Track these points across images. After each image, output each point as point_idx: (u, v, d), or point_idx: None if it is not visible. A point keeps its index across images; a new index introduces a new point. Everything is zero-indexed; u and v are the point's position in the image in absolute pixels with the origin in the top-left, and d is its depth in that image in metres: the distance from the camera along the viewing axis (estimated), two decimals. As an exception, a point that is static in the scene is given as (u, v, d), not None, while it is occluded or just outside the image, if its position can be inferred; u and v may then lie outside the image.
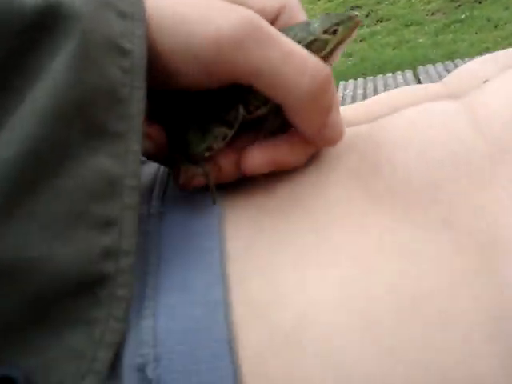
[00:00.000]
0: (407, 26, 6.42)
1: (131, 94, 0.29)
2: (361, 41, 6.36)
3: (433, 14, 6.59)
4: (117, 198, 0.28)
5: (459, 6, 6.51)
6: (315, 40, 0.37)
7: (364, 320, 0.28)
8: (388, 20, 6.79)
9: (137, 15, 0.29)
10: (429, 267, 0.30)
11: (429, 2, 6.87)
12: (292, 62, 0.32)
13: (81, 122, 0.27)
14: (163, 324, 0.29)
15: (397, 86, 3.24)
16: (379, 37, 6.36)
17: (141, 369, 0.27)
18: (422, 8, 6.79)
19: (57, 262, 0.26)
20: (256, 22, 0.31)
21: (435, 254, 0.31)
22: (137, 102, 0.29)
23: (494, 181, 0.33)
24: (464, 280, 0.29)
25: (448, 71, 3.18)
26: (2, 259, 0.25)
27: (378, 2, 7.33)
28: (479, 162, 0.34)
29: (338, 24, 0.37)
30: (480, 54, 4.82)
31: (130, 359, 0.28)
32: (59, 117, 0.26)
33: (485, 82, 0.42)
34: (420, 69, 3.22)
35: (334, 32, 0.37)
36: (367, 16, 7.03)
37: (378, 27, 6.66)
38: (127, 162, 0.29)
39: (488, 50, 4.87)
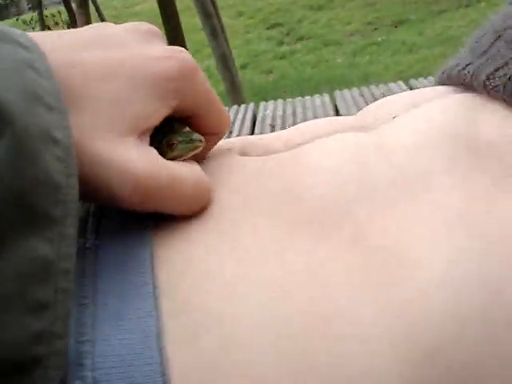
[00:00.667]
0: (326, 45, 6.58)
1: (67, 181, 0.30)
2: (281, 58, 6.46)
3: (351, 35, 6.78)
4: (50, 282, 0.29)
5: (376, 28, 6.73)
6: (160, 145, 0.40)
7: (278, 341, 0.31)
8: (308, 39, 6.93)
9: (61, 108, 0.32)
10: (336, 287, 0.33)
11: (348, 23, 7.07)
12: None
13: (16, 207, 0.28)
14: (101, 349, 0.31)
15: (314, 108, 3.36)
16: (299, 55, 6.47)
17: None
18: (341, 29, 6.97)
19: None
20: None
21: (344, 271, 0.33)
22: (72, 189, 0.31)
23: (396, 205, 0.36)
24: (369, 294, 0.32)
25: (363, 96, 3.36)
26: None
27: (299, 21, 7.47)
28: (383, 186, 0.38)
29: (179, 141, 0.41)
30: (394, 76, 4.98)
31: (71, 382, 0.30)
32: None
33: (394, 117, 0.45)
34: (337, 93, 3.38)
35: (172, 145, 0.40)
36: (288, 34, 7.15)
37: (299, 45, 6.78)
38: (61, 246, 0.30)
39: (402, 73, 5.04)
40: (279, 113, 3.40)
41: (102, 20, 5.56)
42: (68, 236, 0.30)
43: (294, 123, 3.16)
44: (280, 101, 3.59)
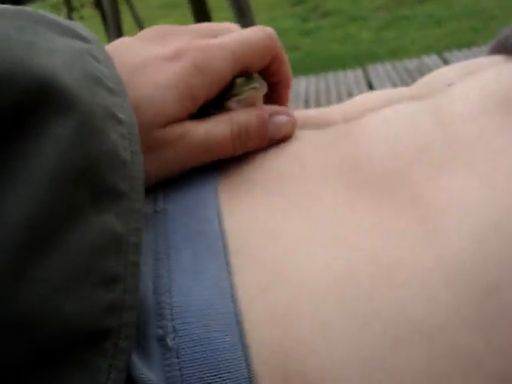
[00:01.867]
0: (352, 21, 6.51)
1: (132, 157, 0.33)
2: (307, 35, 6.41)
3: (377, 9, 6.70)
4: (121, 255, 0.31)
5: (402, 3, 6.63)
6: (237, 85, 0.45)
7: (344, 290, 0.33)
8: (333, 15, 6.86)
9: (121, 91, 0.35)
10: (396, 239, 0.35)
11: (373, -1, 6.98)
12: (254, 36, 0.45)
13: (87, 184, 0.30)
14: (178, 300, 0.33)
15: (348, 84, 3.36)
16: (325, 31, 6.42)
17: (162, 339, 0.32)
18: (367, 4, 6.89)
19: (65, 317, 0.28)
20: None
21: (404, 225, 0.35)
22: (137, 165, 0.33)
23: (453, 167, 0.38)
24: (427, 243, 0.34)
25: (396, 70, 3.32)
26: (13, 312, 0.26)
27: (324, -3, 7.40)
28: (439, 151, 0.39)
29: (255, 86, 0.45)
30: (422, 50, 4.93)
31: (152, 331, 0.32)
32: (67, 180, 0.29)
33: (449, 85, 0.46)
34: (370, 67, 3.34)
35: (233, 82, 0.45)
36: (313, 11, 7.09)
37: (324, 22, 6.72)
38: (130, 221, 0.31)
39: (430, 47, 4.98)
40: (312, 88, 3.40)
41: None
42: (136, 211, 0.32)
43: (328, 99, 3.19)
44: (312, 76, 3.59)
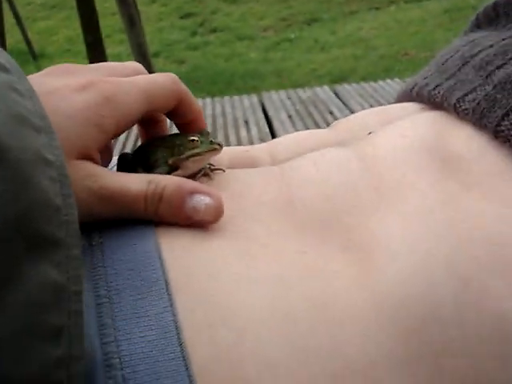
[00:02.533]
0: (240, 39, 6.56)
1: (64, 200, 0.31)
2: (194, 49, 6.38)
3: (264, 30, 6.80)
4: (63, 306, 0.29)
5: (290, 25, 6.78)
6: (179, 145, 0.47)
7: (284, 326, 0.34)
8: (221, 31, 6.88)
9: (48, 128, 0.33)
10: (332, 280, 0.37)
11: (261, 18, 7.09)
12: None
13: (21, 238, 0.28)
14: (126, 349, 0.33)
15: (243, 109, 3.44)
16: (212, 47, 6.42)
17: None
18: (255, 23, 6.98)
19: (10, 378, 0.27)
20: None
21: (339, 267, 0.37)
22: (71, 208, 0.32)
23: (379, 209, 0.41)
24: (360, 282, 0.36)
25: (290, 99, 3.49)
26: None
27: (213, 12, 7.42)
28: (367, 194, 0.42)
29: (200, 141, 0.46)
30: (307, 73, 5.05)
31: (101, 381, 0.32)
32: (0, 239, 0.27)
33: (369, 133, 0.49)
34: (264, 94, 3.49)
35: (194, 142, 0.46)
36: (201, 25, 7.07)
37: (212, 37, 6.72)
38: (70, 269, 0.30)
39: (315, 71, 5.12)
40: (208, 112, 3.44)
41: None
42: (74, 257, 0.31)
43: (225, 123, 3.24)
44: (208, 99, 3.61)
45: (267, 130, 3.02)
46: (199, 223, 0.40)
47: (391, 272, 0.36)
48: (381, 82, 3.67)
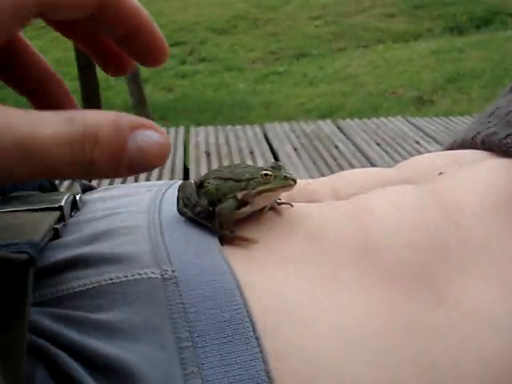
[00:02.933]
0: (228, 70, 6.60)
1: None
2: (183, 77, 6.40)
3: (253, 62, 6.85)
4: None
5: (278, 58, 6.85)
6: (250, 179, 0.44)
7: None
8: (210, 61, 6.92)
9: None
10: (435, 341, 0.35)
11: (251, 50, 7.15)
12: None
13: None
14: None
15: (247, 139, 3.47)
16: (201, 76, 6.45)
17: None
18: (244, 55, 7.03)
19: None
20: None
21: (435, 327, 0.36)
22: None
23: (472, 267, 0.39)
24: (460, 348, 0.35)
25: (293, 131, 3.56)
26: None
27: (202, 42, 7.46)
28: (455, 249, 0.40)
29: (274, 176, 0.43)
30: (296, 107, 5.08)
31: None
32: None
33: (440, 173, 0.48)
34: (267, 125, 3.54)
35: (267, 176, 0.43)
36: (190, 54, 7.11)
37: (201, 66, 6.75)
38: None
39: (303, 105, 5.16)
40: (211, 140, 3.44)
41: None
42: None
43: (229, 152, 3.24)
44: (211, 128, 3.62)
45: (273, 161, 3.01)
46: (143, 169, 0.29)
47: (496, 342, 0.36)
48: (383, 119, 3.71)
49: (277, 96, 5.60)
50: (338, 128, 3.55)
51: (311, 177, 2.76)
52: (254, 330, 0.34)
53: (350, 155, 3.06)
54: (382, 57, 6.38)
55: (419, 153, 3.04)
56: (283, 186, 0.43)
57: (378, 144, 3.21)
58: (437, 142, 3.20)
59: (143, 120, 0.29)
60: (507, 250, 0.40)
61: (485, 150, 0.52)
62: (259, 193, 0.43)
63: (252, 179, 0.43)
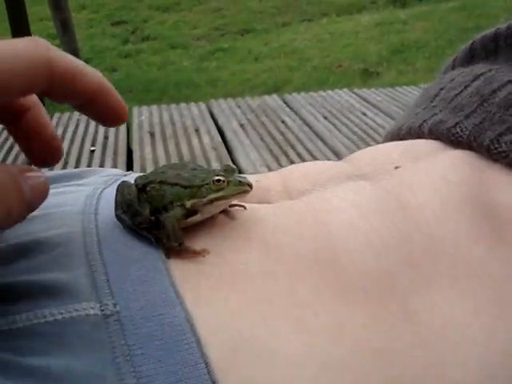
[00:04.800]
0: (173, 47, 6.48)
1: None
2: (126, 57, 6.25)
3: (198, 39, 6.75)
4: None
5: (223, 35, 6.76)
6: (200, 186, 0.39)
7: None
8: (154, 39, 6.78)
9: None
10: (402, 366, 0.33)
11: (195, 27, 7.03)
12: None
13: None
14: None
15: (192, 116, 3.44)
16: (145, 55, 6.31)
17: None
18: (188, 32, 6.91)
19: None
20: None
21: (405, 349, 0.33)
22: None
23: (438, 277, 0.36)
24: (429, 375, 0.33)
25: (239, 107, 3.55)
26: None
27: (145, 20, 7.30)
28: (420, 253, 0.37)
29: (227, 181, 0.39)
30: (241, 83, 5.02)
31: None
32: None
33: (396, 168, 0.44)
34: (212, 102, 3.51)
35: (219, 183, 0.39)
36: (133, 33, 6.95)
37: (144, 45, 6.61)
38: None
39: (249, 81, 5.11)
40: (155, 120, 3.35)
41: None
42: None
43: (174, 131, 3.18)
44: (154, 107, 3.53)
45: (219, 138, 2.97)
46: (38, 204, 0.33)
47: (473, 364, 0.33)
48: (330, 92, 3.69)
49: (223, 73, 5.52)
50: (285, 102, 3.52)
51: (259, 153, 2.74)
52: (210, 372, 0.30)
53: (297, 129, 3.03)
54: (327, 30, 6.36)
55: (366, 124, 3.05)
56: (238, 193, 0.39)
57: (325, 117, 3.19)
58: (383, 112, 3.20)
59: (25, 166, 0.33)
60: (474, 257, 0.37)
61: (434, 139, 0.48)
62: (211, 201, 0.39)
63: (202, 186, 0.39)
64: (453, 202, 0.40)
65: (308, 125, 3.09)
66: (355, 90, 3.69)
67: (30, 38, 0.31)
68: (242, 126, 3.13)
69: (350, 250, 0.37)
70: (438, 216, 0.39)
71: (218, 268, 0.36)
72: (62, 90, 0.33)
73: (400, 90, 3.62)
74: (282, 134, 2.99)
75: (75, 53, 3.91)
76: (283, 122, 3.17)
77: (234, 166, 0.41)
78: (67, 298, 0.32)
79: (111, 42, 6.67)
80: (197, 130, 3.07)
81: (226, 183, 0.39)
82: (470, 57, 0.54)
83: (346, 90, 3.72)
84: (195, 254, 0.36)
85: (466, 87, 0.48)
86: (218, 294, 0.34)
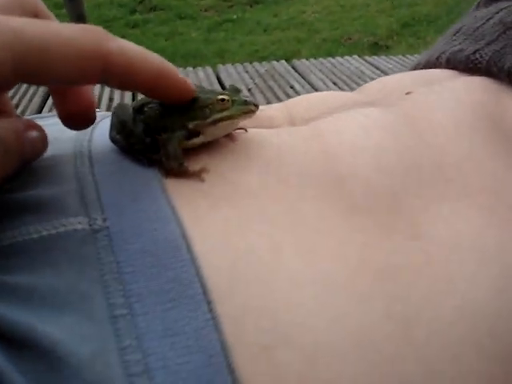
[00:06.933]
0: (180, 18, 6.42)
1: None
2: (133, 27, 6.20)
3: (206, 10, 6.68)
4: None
5: (231, 6, 6.69)
6: (204, 107, 0.36)
7: (365, 353, 0.28)
8: (161, 10, 6.72)
9: None
10: (410, 287, 0.30)
11: (203, -2, 6.96)
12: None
13: None
14: (161, 381, 0.25)
15: (199, 81, 3.43)
16: (152, 25, 6.25)
17: None
18: (196, 3, 6.85)
19: None
20: None
21: (411, 267, 0.31)
22: None
23: (450, 193, 0.35)
24: (440, 293, 0.30)
25: (247, 72, 3.52)
26: None
27: (153, -10, 7.23)
28: (430, 171, 0.36)
29: (231, 101, 0.37)
30: (250, 54, 4.98)
31: None
32: None
33: (407, 93, 0.43)
34: (220, 67, 3.48)
35: (224, 102, 0.36)
36: (140, 2, 6.89)
37: (151, 15, 6.55)
38: None
39: (257, 53, 5.06)
40: None
41: None
42: None
43: None
44: None
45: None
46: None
47: (486, 280, 0.31)
48: (339, 58, 3.65)
49: (231, 44, 5.48)
50: (293, 68, 3.48)
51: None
52: (205, 292, 0.28)
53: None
54: (337, 2, 6.29)
55: (377, 91, 3.01)
56: (244, 113, 0.37)
57: (335, 83, 3.15)
58: (395, 80, 3.17)
59: (30, 121, 0.33)
60: (490, 173, 0.35)
61: (451, 69, 0.47)
62: (215, 122, 0.36)
63: (206, 106, 0.36)
64: (467, 121, 0.38)
65: (317, 90, 3.06)
66: (366, 58, 3.66)
67: (87, 26, 0.30)
68: (249, 90, 3.10)
69: (355, 170, 0.36)
70: (450, 133, 0.38)
71: (218, 187, 0.34)
72: (118, 82, 0.32)
73: (411, 58, 3.58)
74: (290, 97, 2.97)
75: (82, 19, 3.87)
76: (292, 87, 3.13)
77: (238, 88, 0.39)
78: (53, 214, 0.30)
79: (118, 12, 6.61)
80: (203, 95, 3.05)
81: (230, 103, 0.36)
82: None
83: (356, 57, 3.68)
84: (195, 174, 0.34)
85: (488, 19, 0.47)
86: (217, 211, 0.32)
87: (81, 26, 0.30)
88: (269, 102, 2.93)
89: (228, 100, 0.36)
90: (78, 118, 0.35)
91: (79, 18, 3.87)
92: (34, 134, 0.33)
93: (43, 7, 0.33)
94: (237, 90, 0.38)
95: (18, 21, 0.27)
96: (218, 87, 3.18)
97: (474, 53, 0.45)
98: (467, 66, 0.45)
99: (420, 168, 0.36)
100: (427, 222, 0.34)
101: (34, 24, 0.28)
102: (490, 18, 0.47)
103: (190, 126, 0.36)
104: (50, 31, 0.28)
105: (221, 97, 0.36)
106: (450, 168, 0.36)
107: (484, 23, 0.47)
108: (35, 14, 0.32)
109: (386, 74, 3.28)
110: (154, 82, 0.33)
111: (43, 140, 0.34)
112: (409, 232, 0.33)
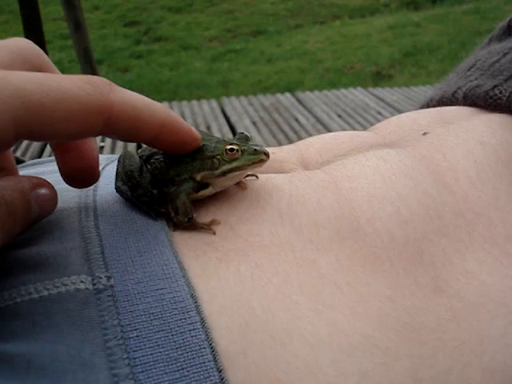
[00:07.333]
0: (185, 48, 6.48)
1: None
2: (138, 57, 6.25)
3: (210, 40, 6.74)
4: None
5: (235, 36, 6.75)
6: (212, 157, 0.36)
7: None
8: (166, 40, 6.78)
9: None
10: (437, 348, 0.29)
11: (207, 29, 7.03)
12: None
13: None
14: None
15: (204, 113, 3.40)
16: (157, 56, 6.31)
17: None
18: (200, 33, 6.91)
19: None
20: None
21: (436, 325, 0.30)
22: None
23: (474, 242, 0.34)
24: (467, 356, 0.29)
25: (252, 105, 3.50)
26: None
27: (157, 21, 7.31)
28: (452, 219, 0.35)
29: (241, 150, 0.35)
30: (253, 85, 5.01)
31: None
32: None
33: (424, 133, 0.42)
34: (224, 99, 3.47)
35: (233, 152, 0.35)
36: (145, 34, 6.96)
37: (156, 46, 6.61)
38: None
39: (261, 83, 5.09)
40: None
41: None
42: None
43: None
44: (165, 103, 3.53)
45: (231, 136, 2.97)
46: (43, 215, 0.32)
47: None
48: (343, 90, 3.67)
49: (234, 74, 5.51)
50: (298, 100, 3.50)
51: (272, 151, 2.70)
52: (216, 359, 0.27)
53: (310, 127, 3.02)
54: (339, 33, 6.34)
55: (381, 124, 3.02)
56: (253, 163, 0.35)
57: (340, 116, 3.17)
58: (399, 111, 3.18)
59: (38, 179, 0.32)
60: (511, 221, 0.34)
61: (468, 105, 0.46)
62: (224, 173, 0.35)
63: (214, 157, 0.35)
64: (489, 165, 0.37)
65: (322, 123, 3.07)
66: (370, 89, 3.68)
67: (89, 78, 0.29)
68: (254, 123, 3.11)
69: (373, 219, 0.34)
70: (472, 179, 0.36)
71: (228, 239, 0.32)
72: (122, 135, 0.31)
73: (415, 89, 3.61)
74: (296, 131, 2.98)
75: (88, 51, 3.91)
76: (296, 119, 3.15)
77: (247, 134, 0.38)
78: (55, 272, 0.29)
79: (123, 43, 6.68)
80: (208, 128, 3.07)
81: (239, 153, 0.35)
82: (508, 33, 0.52)
83: (360, 88, 3.70)
84: (205, 227, 0.33)
85: (504, 54, 0.47)
86: (228, 266, 0.31)
87: (82, 78, 0.29)
88: (274, 135, 2.95)
89: (237, 150, 0.35)
90: (80, 175, 0.34)
91: (86, 50, 3.91)
92: (41, 191, 0.31)
93: (47, 60, 0.33)
94: (246, 138, 0.37)
95: (18, 78, 0.26)
96: (222, 120, 3.18)
97: (493, 88, 0.44)
98: (486, 102, 0.44)
99: (442, 216, 0.35)
100: (450, 274, 0.32)
101: (34, 79, 0.27)
102: (507, 53, 0.47)
103: (198, 177, 0.35)
104: (50, 87, 0.27)
105: (229, 147, 0.35)
106: (473, 216, 0.35)
107: (500, 58, 0.47)
108: (39, 68, 0.32)
109: (390, 106, 3.30)
110: (158, 132, 0.32)
111: (52, 198, 0.32)
112: (432, 286, 0.32)
